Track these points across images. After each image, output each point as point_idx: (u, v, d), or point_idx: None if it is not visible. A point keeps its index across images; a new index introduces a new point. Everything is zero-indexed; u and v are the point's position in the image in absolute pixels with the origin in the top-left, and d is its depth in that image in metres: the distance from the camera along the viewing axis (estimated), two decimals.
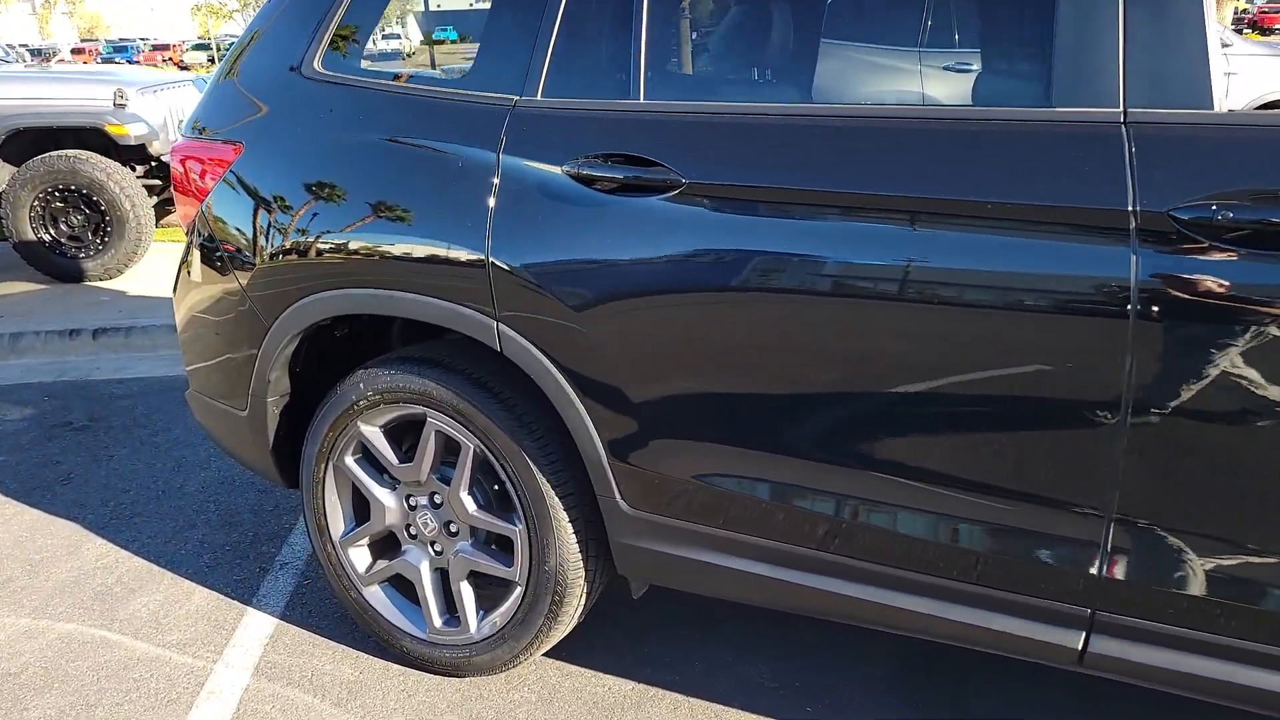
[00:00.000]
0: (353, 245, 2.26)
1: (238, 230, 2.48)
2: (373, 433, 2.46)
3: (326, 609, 2.89)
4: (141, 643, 2.75)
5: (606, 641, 2.66)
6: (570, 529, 2.25)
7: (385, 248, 2.22)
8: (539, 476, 2.23)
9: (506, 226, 2.09)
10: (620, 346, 2.03)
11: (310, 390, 2.61)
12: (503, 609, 2.41)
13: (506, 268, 2.09)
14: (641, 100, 2.04)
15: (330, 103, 2.36)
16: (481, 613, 2.45)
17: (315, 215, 2.31)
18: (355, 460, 2.52)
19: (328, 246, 2.29)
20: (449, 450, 2.40)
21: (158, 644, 2.74)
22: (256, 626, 2.82)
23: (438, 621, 2.49)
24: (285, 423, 2.62)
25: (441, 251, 2.15)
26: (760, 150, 1.90)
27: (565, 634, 2.42)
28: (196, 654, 2.69)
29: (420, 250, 2.18)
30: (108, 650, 2.72)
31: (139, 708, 2.49)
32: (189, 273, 2.68)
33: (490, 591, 2.44)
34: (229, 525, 3.39)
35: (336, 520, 2.59)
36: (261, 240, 2.42)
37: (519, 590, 2.35)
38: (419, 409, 2.35)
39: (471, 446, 2.30)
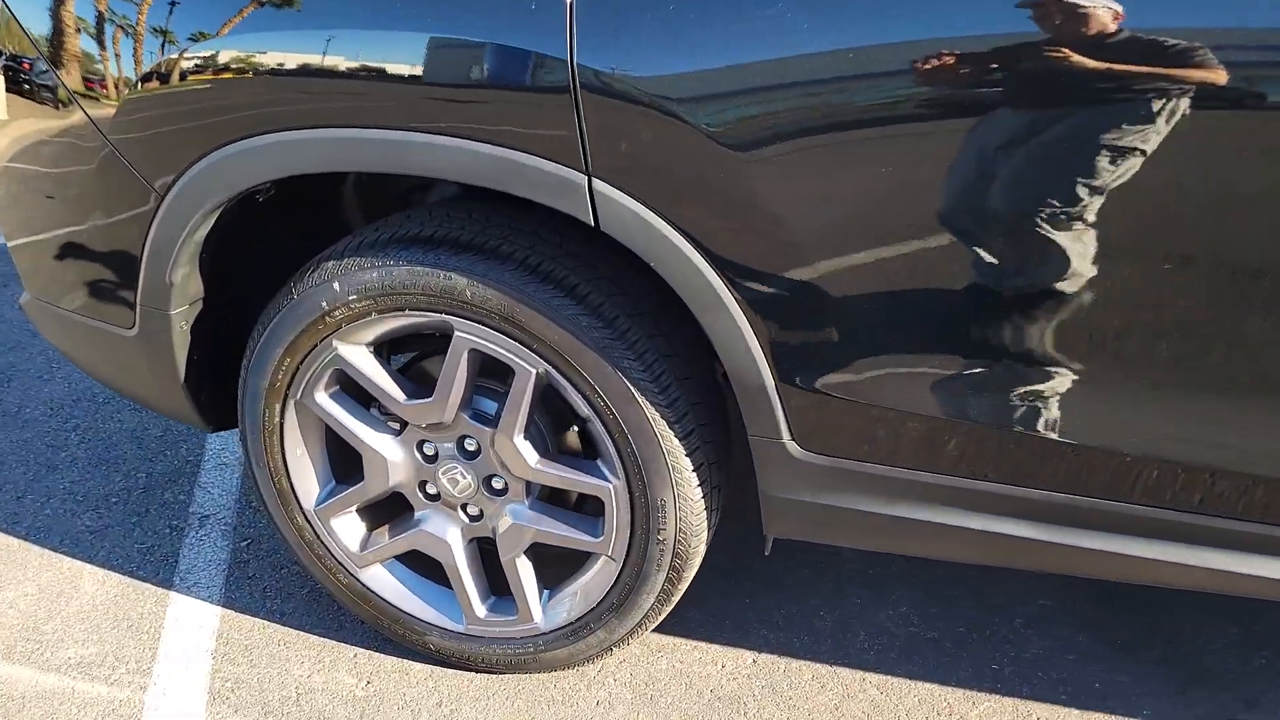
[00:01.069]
0: (333, 56, 1.32)
1: (74, 24, 1.46)
2: (358, 355, 1.60)
3: (289, 582, 2.08)
4: (22, 669, 1.88)
5: (697, 603, 1.99)
6: (696, 483, 1.52)
7: (388, 61, 1.29)
8: (651, 413, 1.46)
9: (609, 6, 1.21)
10: (818, 210, 1.24)
11: (227, 288, 1.70)
12: (581, 589, 1.69)
13: (609, 82, 1.22)
14: None
15: None
16: (547, 594, 1.73)
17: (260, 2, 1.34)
18: (331, 395, 1.66)
19: (281, 60, 1.34)
20: (489, 375, 1.59)
21: (48, 669, 1.88)
22: (191, 622, 2.00)
23: (480, 608, 1.75)
24: (201, 344, 1.72)
25: (490, 62, 1.26)
26: None
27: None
28: (113, 680, 1.86)
29: (450, 63, 1.27)
30: None
31: None
32: None
33: (553, 567, 1.71)
34: (106, 465, 2.46)
35: (307, 481, 1.75)
36: (138, 48, 1.43)
37: (613, 567, 1.62)
38: (438, 318, 1.50)
39: (533, 372, 1.49)
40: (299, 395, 1.65)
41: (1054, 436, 1.31)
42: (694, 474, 1.51)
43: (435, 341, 1.67)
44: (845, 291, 1.28)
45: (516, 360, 1.49)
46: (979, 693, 1.79)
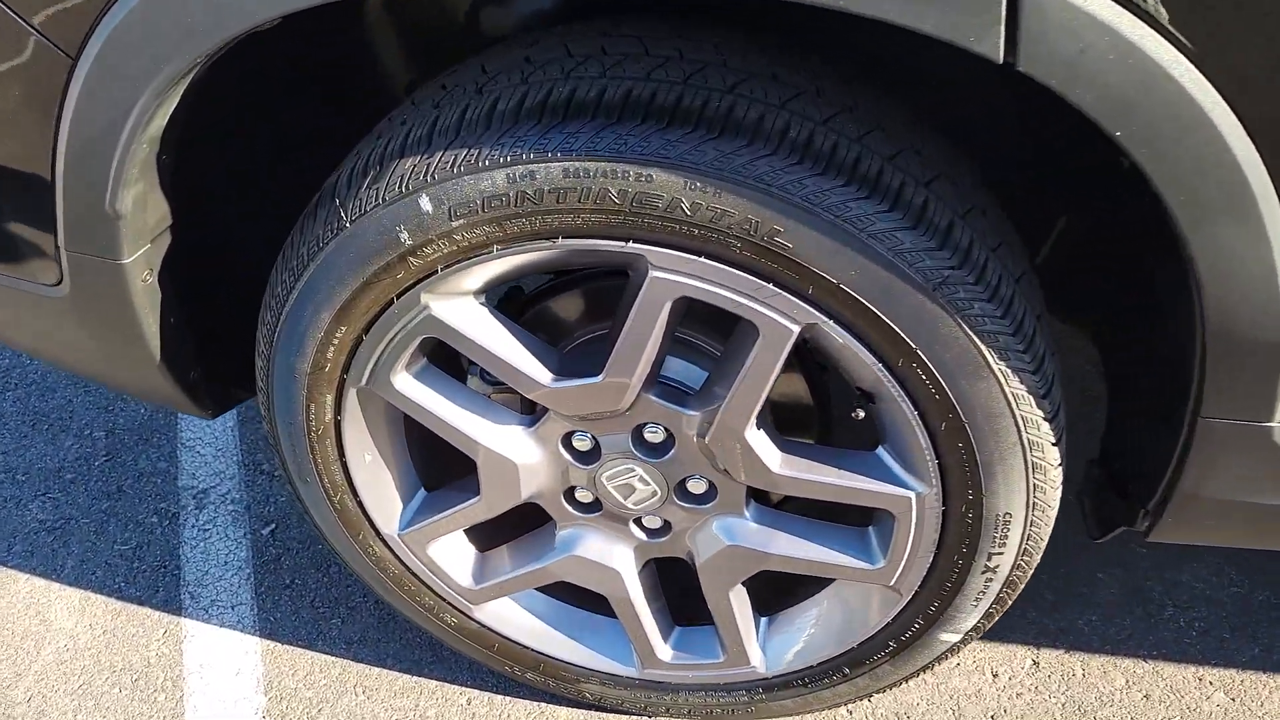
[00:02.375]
0: None
1: None
2: (466, 314, 0.94)
3: (344, 585, 1.50)
4: None
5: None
6: (1058, 485, 0.93)
7: None
8: (1010, 386, 0.84)
9: None
10: None
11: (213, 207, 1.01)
12: (824, 622, 1.12)
13: None
14: None
15: None
16: (764, 624, 1.16)
17: None
18: (416, 375, 1.01)
19: None
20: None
21: None
22: (223, 667, 1.42)
23: (664, 649, 1.19)
24: (180, 298, 1.04)
25: None
26: None
27: None
28: None
29: None
30: None
31: None
32: None
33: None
34: (49, 425, 1.79)
35: (384, 497, 1.12)
36: None
37: (895, 600, 1.05)
38: (617, 248, 0.84)
39: (795, 330, 0.85)
40: (364, 380, 0.99)
41: None
42: (1058, 472, 0.92)
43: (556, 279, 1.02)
44: None
45: (764, 312, 0.85)
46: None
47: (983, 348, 0.83)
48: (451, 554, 1.17)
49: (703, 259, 0.83)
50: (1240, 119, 0.65)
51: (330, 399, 1.02)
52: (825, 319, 0.84)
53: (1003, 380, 0.85)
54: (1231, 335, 0.76)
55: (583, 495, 1.08)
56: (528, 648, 1.22)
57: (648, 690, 1.23)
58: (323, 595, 1.50)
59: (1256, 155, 0.66)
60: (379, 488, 1.11)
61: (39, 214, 0.95)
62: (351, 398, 1.02)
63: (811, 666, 1.14)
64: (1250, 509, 0.91)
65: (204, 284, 1.08)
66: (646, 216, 0.81)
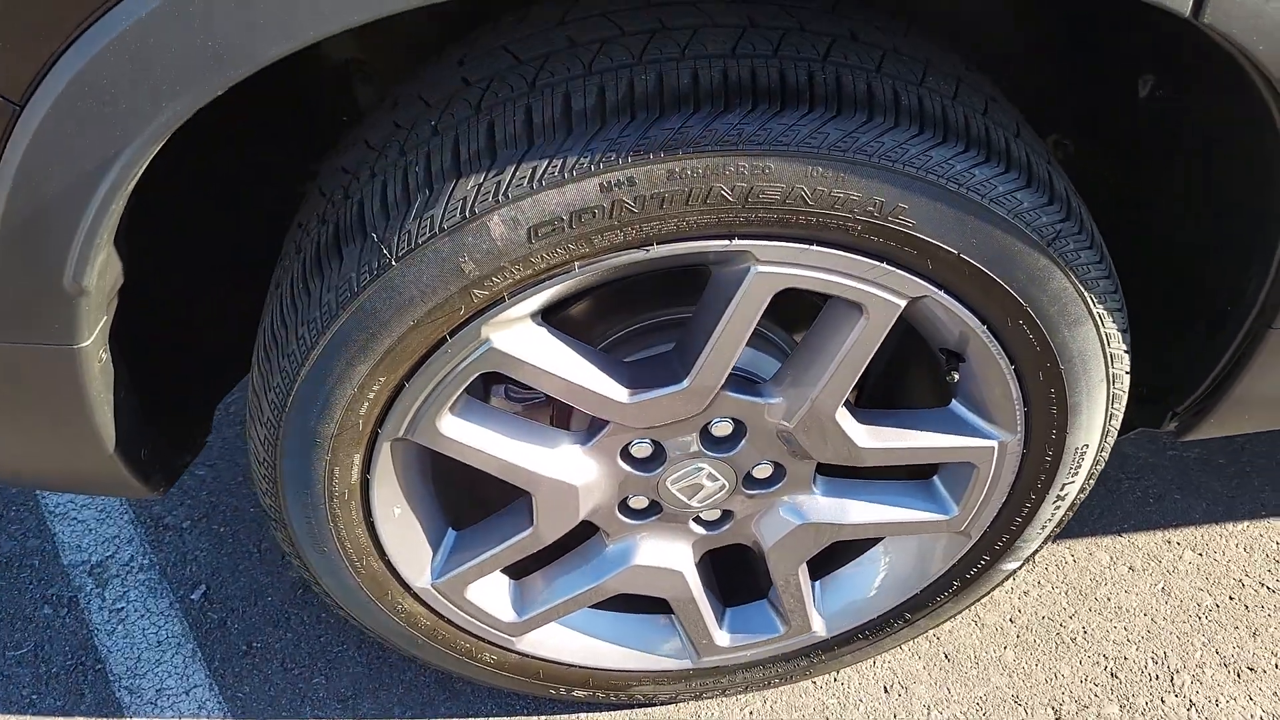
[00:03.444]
0: None
1: None
2: (530, 341, 0.82)
3: (331, 654, 1.34)
4: None
5: None
6: (1113, 415, 0.95)
7: None
8: (1107, 330, 0.85)
9: None
10: None
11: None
12: (884, 578, 1.12)
13: None
14: None
15: None
16: (817, 589, 1.14)
17: None
18: (460, 414, 0.88)
19: None
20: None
21: None
22: None
23: (721, 636, 1.14)
24: (130, 371, 0.85)
25: None
26: None
27: None
28: None
29: None
30: None
31: None
32: None
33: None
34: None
35: (414, 549, 0.99)
36: None
37: (961, 543, 1.06)
38: (715, 245, 0.75)
39: (901, 305, 0.81)
40: (403, 431, 0.85)
41: None
42: (1125, 399, 0.94)
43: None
44: None
45: (874, 292, 0.80)
46: None
47: (1087, 295, 0.82)
48: (490, 591, 1.06)
49: (815, 247, 0.76)
50: None
51: (358, 458, 0.87)
52: (936, 290, 0.80)
53: (1100, 322, 0.85)
54: None
55: (637, 502, 1.00)
56: (574, 665, 1.14)
57: (703, 678, 1.19)
58: (293, 654, 1.33)
59: None
60: (408, 541, 0.98)
61: None
62: (385, 452, 0.87)
63: (874, 619, 1.14)
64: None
65: (154, 348, 0.88)
66: (759, 210, 0.73)
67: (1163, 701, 1.23)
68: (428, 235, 0.72)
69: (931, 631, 1.29)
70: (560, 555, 1.08)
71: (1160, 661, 1.28)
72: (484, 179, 0.71)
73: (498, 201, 0.71)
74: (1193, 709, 1.23)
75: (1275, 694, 1.24)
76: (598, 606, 1.14)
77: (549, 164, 0.70)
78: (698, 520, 1.04)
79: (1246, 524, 1.44)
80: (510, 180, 0.70)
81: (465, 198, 0.71)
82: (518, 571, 1.09)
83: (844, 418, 0.91)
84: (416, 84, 0.80)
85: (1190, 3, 0.62)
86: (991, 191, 0.75)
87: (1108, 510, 1.46)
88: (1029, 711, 1.23)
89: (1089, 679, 1.26)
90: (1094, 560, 1.40)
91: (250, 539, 1.46)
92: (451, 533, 1.02)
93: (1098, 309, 0.84)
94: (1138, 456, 1.53)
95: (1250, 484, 1.49)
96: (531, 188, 0.71)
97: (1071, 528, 1.43)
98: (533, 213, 0.71)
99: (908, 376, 1.09)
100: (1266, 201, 0.81)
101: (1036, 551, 1.09)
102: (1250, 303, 0.89)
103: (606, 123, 0.70)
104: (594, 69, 0.72)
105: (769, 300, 0.80)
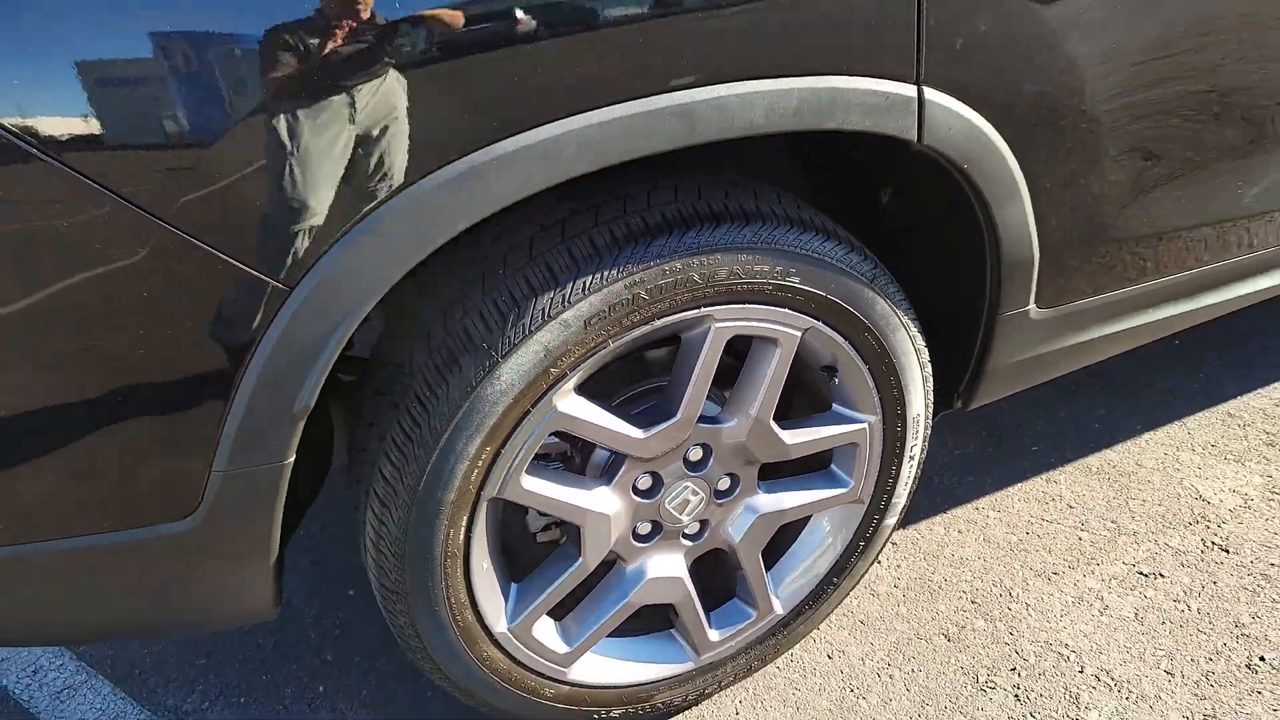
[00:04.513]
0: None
1: None
2: (579, 404, 1.22)
3: None
4: None
5: None
6: (931, 381, 1.48)
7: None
8: (912, 330, 1.38)
9: None
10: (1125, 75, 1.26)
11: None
12: (812, 556, 1.55)
13: None
14: None
15: None
16: (769, 578, 1.55)
17: None
18: (533, 472, 1.24)
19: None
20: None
21: None
22: None
23: (712, 633, 1.51)
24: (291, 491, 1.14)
25: None
26: None
27: None
28: None
29: None
30: None
31: None
32: None
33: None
34: None
35: (494, 598, 1.31)
36: None
37: (858, 509, 1.52)
38: (688, 315, 1.21)
39: (798, 335, 1.29)
40: (497, 489, 1.20)
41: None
42: (932, 379, 1.47)
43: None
44: (1130, 149, 1.35)
45: (779, 328, 1.28)
46: None
47: (897, 311, 1.35)
48: (548, 629, 1.37)
49: (749, 304, 1.23)
50: (1016, 156, 1.26)
51: (465, 518, 1.20)
52: (817, 321, 1.29)
53: (908, 328, 1.37)
54: (1009, 259, 1.38)
55: (642, 528, 1.38)
56: (608, 686, 1.46)
57: (703, 675, 1.53)
58: None
59: (1021, 172, 1.28)
60: (491, 591, 1.29)
61: (182, 440, 1.01)
62: (482, 511, 1.21)
63: (813, 590, 1.56)
64: (1026, 363, 1.55)
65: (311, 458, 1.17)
66: (715, 286, 1.19)
67: (1009, 609, 1.73)
68: (520, 337, 1.12)
69: (850, 597, 1.73)
70: (584, 596, 1.42)
71: (999, 584, 1.78)
72: (553, 295, 1.12)
73: (565, 305, 1.12)
74: (1028, 608, 1.73)
75: (1074, 584, 1.77)
76: (614, 634, 1.47)
77: (592, 278, 1.13)
78: (684, 536, 1.42)
79: (1020, 485, 2.02)
80: (571, 291, 1.12)
81: (544, 308, 1.12)
82: (559, 614, 1.41)
83: (775, 427, 1.37)
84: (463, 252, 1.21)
85: (918, 127, 1.18)
86: (835, 256, 1.27)
87: (932, 499, 1.99)
88: (928, 641, 1.68)
89: (959, 609, 1.74)
90: (934, 533, 1.91)
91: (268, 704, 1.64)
92: (513, 585, 1.34)
93: (905, 319, 1.36)
94: (940, 461, 2.09)
95: (1009, 458, 2.09)
96: (584, 293, 1.13)
97: (914, 516, 1.94)
98: (586, 309, 1.13)
99: (794, 400, 1.57)
100: (982, 243, 1.38)
101: (905, 507, 1.57)
102: (991, 300, 1.45)
103: (622, 249, 1.14)
104: (601, 219, 1.17)
105: (723, 347, 1.25)
